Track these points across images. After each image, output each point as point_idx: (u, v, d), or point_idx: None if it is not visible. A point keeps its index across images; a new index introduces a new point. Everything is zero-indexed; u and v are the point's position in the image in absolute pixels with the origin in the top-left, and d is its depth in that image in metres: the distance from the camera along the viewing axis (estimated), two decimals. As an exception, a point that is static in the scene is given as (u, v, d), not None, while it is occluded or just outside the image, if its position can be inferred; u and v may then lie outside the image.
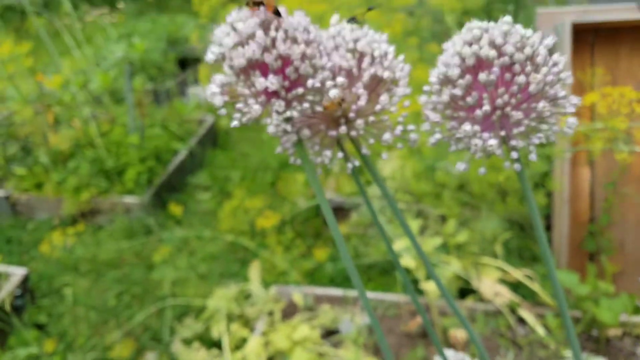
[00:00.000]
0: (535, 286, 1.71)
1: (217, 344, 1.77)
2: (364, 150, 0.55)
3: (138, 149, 2.85)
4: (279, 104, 0.46)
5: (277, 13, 0.46)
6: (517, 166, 0.47)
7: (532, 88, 0.44)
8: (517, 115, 0.45)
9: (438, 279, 0.61)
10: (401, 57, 0.54)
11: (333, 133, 0.53)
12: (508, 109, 0.45)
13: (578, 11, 2.05)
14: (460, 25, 2.33)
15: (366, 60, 0.52)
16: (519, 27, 0.45)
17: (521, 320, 1.69)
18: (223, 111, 0.49)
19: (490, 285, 1.74)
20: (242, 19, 0.46)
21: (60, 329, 2.05)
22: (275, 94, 0.47)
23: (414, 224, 1.82)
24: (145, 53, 3.78)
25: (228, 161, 3.15)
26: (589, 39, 1.73)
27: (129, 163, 2.80)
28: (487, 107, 0.45)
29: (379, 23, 2.27)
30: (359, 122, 0.52)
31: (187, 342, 1.83)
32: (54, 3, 3.73)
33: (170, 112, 3.23)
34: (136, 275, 2.32)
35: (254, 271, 1.98)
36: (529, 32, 0.45)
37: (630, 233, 1.79)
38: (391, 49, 0.53)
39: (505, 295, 1.69)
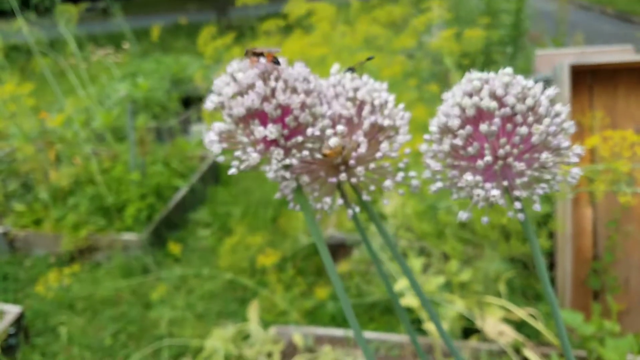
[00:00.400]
0: (539, 325, 1.68)
1: (214, 386, 1.72)
2: (365, 197, 0.55)
3: (139, 185, 2.86)
4: (277, 152, 0.46)
5: (277, 62, 0.47)
6: (520, 216, 0.47)
7: (534, 139, 0.44)
8: (520, 166, 0.45)
9: (438, 320, 0.61)
10: (401, 105, 0.55)
11: (333, 180, 0.53)
12: (510, 159, 0.45)
13: (575, 53, 2.10)
14: (459, 66, 2.39)
15: (366, 109, 0.53)
16: (520, 78, 0.46)
17: (527, 361, 1.65)
18: (221, 158, 0.49)
19: (494, 324, 1.71)
20: (242, 70, 0.48)
21: (54, 369, 2.00)
22: (274, 142, 0.47)
23: (417, 262, 1.81)
24: (149, 92, 3.85)
25: (229, 197, 3.14)
26: (587, 80, 1.76)
27: (129, 200, 2.80)
28: (488, 158, 0.45)
29: (380, 65, 2.32)
30: (360, 169, 0.52)
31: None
32: (59, 43, 3.82)
33: (172, 149, 3.25)
34: (133, 313, 2.28)
35: (253, 311, 1.95)
36: (530, 82, 0.45)
37: (634, 271, 1.78)
38: (391, 98, 0.54)
39: (509, 335, 1.66)
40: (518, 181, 0.46)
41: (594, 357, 1.50)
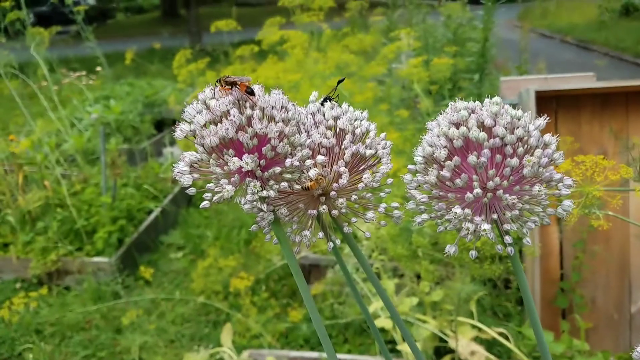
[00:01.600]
0: (511, 345, 1.71)
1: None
2: (346, 229, 0.52)
3: (110, 208, 2.82)
4: (254, 184, 0.44)
5: (251, 93, 0.45)
6: (510, 250, 0.45)
7: (526, 171, 0.43)
8: (511, 199, 0.44)
9: (413, 343, 0.60)
10: (383, 134, 0.53)
11: (313, 212, 0.50)
12: (500, 191, 0.44)
13: (539, 79, 2.20)
14: (428, 92, 2.47)
15: (347, 138, 0.51)
16: (509, 108, 0.45)
17: (498, 380, 1.68)
18: (192, 190, 0.46)
19: (466, 344, 1.73)
20: (215, 97, 0.45)
21: (18, 399, 1.92)
22: (250, 172, 0.44)
23: (390, 284, 1.83)
24: (121, 114, 3.83)
25: (202, 219, 3.12)
26: (552, 105, 1.84)
27: (99, 223, 2.76)
28: (478, 190, 0.43)
29: (352, 91, 2.39)
30: (341, 200, 0.50)
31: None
32: (30, 66, 3.78)
33: (144, 172, 3.23)
34: (103, 339, 2.22)
35: (226, 334, 1.93)
36: (519, 112, 0.44)
37: (600, 290, 1.84)
38: (373, 126, 0.52)
39: (481, 354, 1.68)
40: (508, 214, 0.45)
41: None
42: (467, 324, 1.77)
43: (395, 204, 0.51)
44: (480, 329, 1.77)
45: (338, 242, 0.52)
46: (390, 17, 3.98)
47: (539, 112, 1.84)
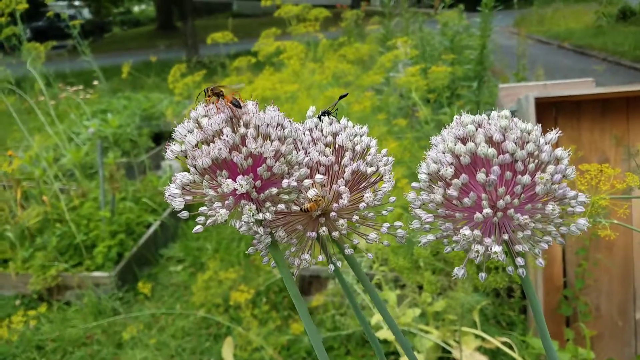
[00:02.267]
0: (514, 354, 1.69)
1: None
2: (348, 251, 0.50)
3: (109, 222, 2.80)
4: (249, 208, 0.42)
5: (237, 105, 0.43)
6: (521, 271, 0.43)
7: (539, 189, 0.40)
8: (523, 219, 0.41)
9: (413, 356, 0.58)
10: (384, 150, 0.51)
11: (312, 234, 0.48)
12: (511, 210, 0.41)
13: (538, 86, 2.19)
14: (426, 101, 2.47)
15: (347, 155, 0.48)
16: (518, 122, 0.42)
17: (503, 390, 1.66)
18: (185, 214, 0.44)
19: (470, 354, 1.71)
20: (208, 115, 0.43)
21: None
22: (245, 195, 0.42)
23: (392, 295, 1.81)
24: (119, 128, 3.83)
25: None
26: (552, 112, 1.83)
27: (99, 237, 2.74)
28: (487, 210, 0.41)
29: (349, 100, 2.39)
30: (342, 222, 0.47)
31: None
32: (27, 81, 3.78)
33: (142, 185, 3.22)
34: (104, 354, 2.20)
35: (227, 348, 1.91)
36: (529, 125, 0.42)
37: (604, 297, 1.82)
38: (373, 142, 0.50)
39: (485, 364, 1.66)
40: (520, 234, 0.42)
41: (569, 383, 1.52)
42: (470, 333, 1.76)
43: (398, 223, 0.48)
44: (483, 339, 1.76)
45: (339, 264, 0.50)
46: (386, 26, 3.99)
47: (539, 120, 1.84)
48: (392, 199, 0.49)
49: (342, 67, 2.75)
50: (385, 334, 1.75)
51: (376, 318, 1.78)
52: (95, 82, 4.66)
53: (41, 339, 2.31)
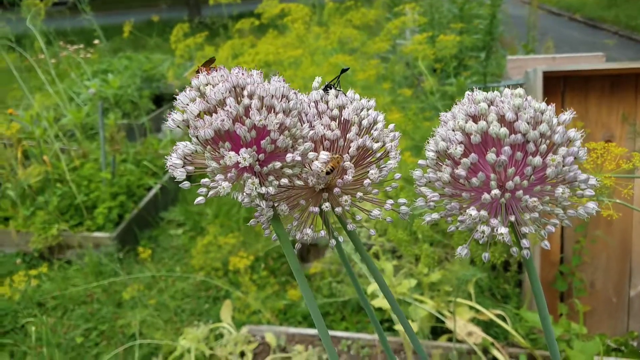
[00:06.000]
0: (508, 326, 1.72)
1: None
2: (350, 227, 0.49)
3: (109, 184, 2.81)
4: (252, 182, 0.41)
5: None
6: (526, 253, 0.42)
7: (549, 171, 0.39)
8: (532, 201, 0.40)
9: (407, 324, 0.58)
10: (391, 125, 0.49)
11: (315, 210, 0.47)
12: (520, 192, 0.40)
13: (546, 59, 2.15)
14: (432, 70, 2.43)
15: (353, 130, 0.47)
16: (532, 101, 0.41)
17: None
18: (187, 184, 0.43)
19: (463, 324, 1.74)
20: (211, 82, 0.41)
21: (22, 370, 1.95)
22: (248, 168, 0.41)
23: (389, 265, 1.83)
24: (120, 89, 3.78)
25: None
26: (560, 87, 1.79)
27: (99, 198, 2.75)
28: (496, 191, 0.40)
29: (354, 68, 2.34)
30: (345, 198, 0.46)
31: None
32: (27, 38, 3.71)
33: (143, 148, 3.20)
34: (104, 312, 2.24)
35: (226, 311, 1.94)
36: (542, 105, 0.40)
37: (600, 273, 1.84)
38: (381, 117, 0.48)
39: (478, 335, 1.69)
40: (527, 216, 0.41)
41: (562, 358, 1.55)
42: (464, 305, 1.78)
43: (402, 200, 0.47)
44: (477, 310, 1.78)
45: (341, 239, 0.49)
46: (394, -9, 3.89)
47: (546, 93, 1.81)
48: (397, 175, 0.48)
49: (348, 33, 2.69)
50: (380, 302, 1.77)
51: (372, 287, 1.80)
52: (96, 41, 4.58)
53: (42, 296, 2.35)
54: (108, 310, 2.26)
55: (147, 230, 2.87)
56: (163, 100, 4.40)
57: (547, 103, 0.42)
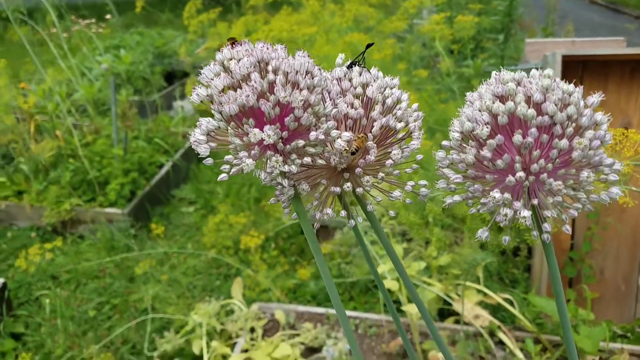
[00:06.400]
0: (515, 310, 1.73)
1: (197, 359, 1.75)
2: (370, 207, 0.48)
3: (121, 160, 2.83)
4: (275, 159, 0.40)
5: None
6: (546, 237, 0.42)
7: (575, 155, 0.39)
8: (557, 184, 0.39)
9: (422, 303, 0.58)
10: (415, 105, 0.48)
11: (336, 190, 0.46)
12: (544, 175, 0.40)
13: (566, 42, 2.11)
14: (449, 52, 2.39)
15: (377, 109, 0.46)
16: (560, 82, 0.40)
17: (501, 343, 1.71)
18: (209, 161, 0.43)
19: (471, 307, 1.75)
20: (235, 57, 0.40)
21: (38, 339, 1.99)
22: (271, 145, 0.40)
23: (399, 248, 1.84)
24: (132, 65, 3.78)
25: (213, 175, 3.13)
26: (578, 71, 1.77)
27: (111, 175, 2.77)
28: (521, 174, 0.39)
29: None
30: (367, 178, 0.45)
31: (167, 357, 1.80)
32: (39, 12, 3.70)
33: (155, 125, 3.21)
34: (117, 286, 2.28)
35: (237, 288, 1.97)
36: (570, 87, 0.40)
37: (610, 261, 1.83)
38: (405, 96, 0.47)
39: (485, 318, 1.71)
40: (550, 200, 0.41)
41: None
42: (472, 288, 1.79)
43: (423, 182, 0.47)
44: (485, 294, 1.79)
45: (360, 219, 0.49)
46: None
47: (564, 78, 1.77)
48: (419, 156, 0.48)
49: (364, 11, 2.65)
50: (389, 284, 1.79)
51: (381, 269, 1.82)
52: (108, 16, 4.55)
53: (56, 269, 2.40)
54: (120, 285, 2.30)
55: (158, 207, 2.90)
56: (174, 77, 4.39)
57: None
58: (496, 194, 0.40)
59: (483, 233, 0.43)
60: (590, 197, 0.41)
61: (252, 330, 1.80)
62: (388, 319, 1.82)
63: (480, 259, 1.74)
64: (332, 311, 1.86)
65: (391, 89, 0.47)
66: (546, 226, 0.42)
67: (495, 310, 1.83)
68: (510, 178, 0.40)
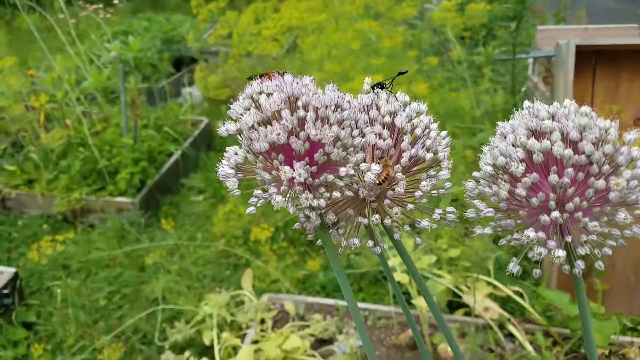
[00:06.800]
0: (524, 303, 1.73)
1: (207, 350, 1.77)
2: (397, 236, 0.48)
3: (131, 149, 2.83)
4: (305, 197, 0.40)
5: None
6: (577, 272, 0.41)
7: (612, 196, 0.38)
8: (593, 225, 0.39)
9: (431, 297, 0.58)
10: (444, 132, 0.47)
11: (364, 221, 0.46)
12: (579, 214, 0.39)
13: (578, 30, 2.06)
14: (460, 39, 2.35)
15: (405, 139, 0.45)
16: (597, 119, 0.39)
17: (510, 335, 1.71)
18: (237, 192, 0.43)
19: (481, 300, 1.76)
20: (265, 91, 0.40)
21: (49, 329, 2.03)
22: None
23: (409, 242, 1.84)
24: (140, 52, 3.76)
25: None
26: (591, 61, 1.73)
27: (121, 164, 2.78)
28: (556, 214, 0.38)
29: (380, 34, 2.28)
30: (396, 210, 0.45)
31: (178, 347, 1.83)
32: (47, -3, 3.68)
33: (164, 113, 3.21)
34: (127, 276, 2.31)
35: (246, 279, 1.98)
36: (607, 123, 0.39)
37: (620, 253, 1.82)
38: (434, 125, 0.46)
39: (494, 311, 1.71)
40: (584, 238, 0.40)
41: (578, 337, 1.56)
42: (482, 280, 1.79)
43: (450, 209, 0.46)
44: (495, 286, 1.79)
45: (386, 246, 0.49)
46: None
47: (577, 67, 1.74)
48: (448, 184, 0.47)
49: (374, -3, 2.60)
50: (398, 276, 1.79)
51: (391, 262, 1.82)
52: (116, 1, 4.52)
53: (67, 259, 2.43)
54: (131, 274, 2.32)
55: (168, 196, 2.91)
56: (182, 63, 4.37)
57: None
58: (531, 232, 0.40)
59: (514, 268, 0.43)
60: (624, 232, 0.40)
61: (262, 321, 1.81)
62: (397, 311, 1.83)
63: (490, 251, 1.73)
64: (341, 302, 1.87)
65: (419, 115, 0.46)
66: (579, 264, 0.41)
67: (505, 302, 1.83)
68: (546, 217, 0.39)
